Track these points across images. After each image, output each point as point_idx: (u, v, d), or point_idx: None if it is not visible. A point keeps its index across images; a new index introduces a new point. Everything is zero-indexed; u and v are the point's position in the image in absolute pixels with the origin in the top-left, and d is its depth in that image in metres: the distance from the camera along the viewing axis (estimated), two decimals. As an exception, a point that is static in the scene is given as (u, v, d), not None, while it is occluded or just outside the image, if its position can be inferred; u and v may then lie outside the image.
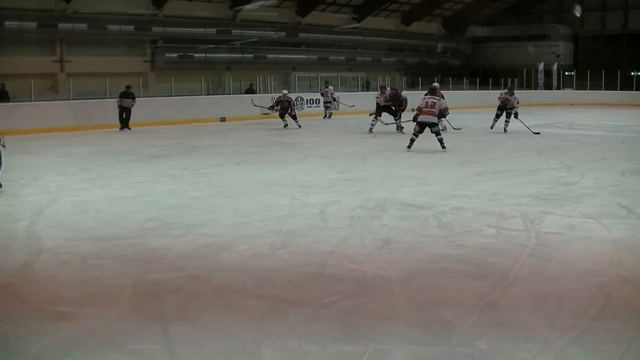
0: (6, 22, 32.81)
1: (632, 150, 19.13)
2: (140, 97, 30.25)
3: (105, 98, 28.84)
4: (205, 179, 13.76)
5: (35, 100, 27.70)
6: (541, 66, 53.02)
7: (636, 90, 47.78)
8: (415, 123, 18.55)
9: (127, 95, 26.99)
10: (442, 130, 19.46)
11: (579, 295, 6.35)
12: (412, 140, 18.34)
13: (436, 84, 21.25)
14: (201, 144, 20.82)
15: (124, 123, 26.82)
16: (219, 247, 8.10)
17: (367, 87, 45.07)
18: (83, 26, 35.56)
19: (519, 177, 13.72)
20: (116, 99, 27.11)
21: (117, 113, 26.82)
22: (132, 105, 26.99)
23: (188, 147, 19.98)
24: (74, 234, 8.83)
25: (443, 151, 17.92)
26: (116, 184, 13.38)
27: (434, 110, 18.19)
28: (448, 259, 7.50)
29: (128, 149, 19.56)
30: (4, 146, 12.42)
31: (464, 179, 13.45)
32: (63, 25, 35.10)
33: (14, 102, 28.43)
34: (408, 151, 18.01)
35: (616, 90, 46.85)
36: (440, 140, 18.20)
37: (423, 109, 18.32)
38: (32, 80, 28.03)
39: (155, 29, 38.90)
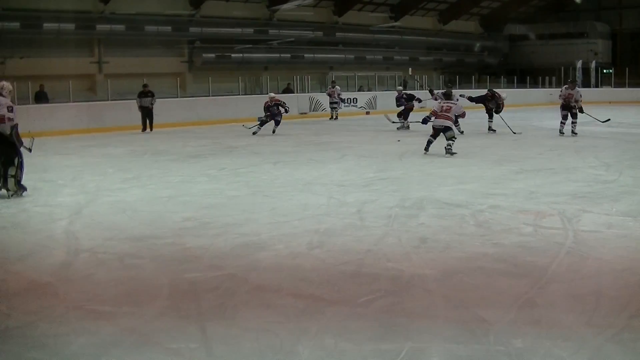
0: (45, 24, 33.12)
1: (672, 148, 18.94)
2: (177, 97, 30.46)
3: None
4: (243, 179, 13.81)
5: (73, 101, 27.95)
6: (579, 64, 52.59)
7: (676, 88, 47.30)
8: (424, 125, 18.61)
9: (145, 94, 26.78)
10: (460, 133, 19.32)
11: (616, 293, 6.30)
12: (429, 142, 17.79)
13: (450, 90, 20.28)
14: (238, 143, 20.91)
15: (146, 124, 26.74)
16: (256, 246, 8.11)
17: (404, 85, 44.96)
18: (121, 27, 35.82)
19: (557, 175, 13.63)
20: (135, 100, 26.96)
21: (140, 114, 26.67)
22: (152, 104, 26.80)
23: (225, 146, 20.08)
24: (111, 234, 8.90)
25: (451, 156, 17.12)
26: (154, 183, 13.47)
27: (449, 114, 17.77)
28: (485, 258, 7.47)
29: (165, 149, 19.69)
30: (30, 150, 12.46)
31: (502, 178, 13.39)
32: (101, 27, 35.39)
33: (52, 103, 28.72)
34: (425, 154, 17.58)
35: (650, 89, 46.42)
36: (449, 147, 17.38)
37: (438, 113, 17.86)
38: (70, 82, 28.35)
39: (192, 29, 39.09)
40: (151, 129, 26.51)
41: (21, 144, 11.93)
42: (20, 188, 11.89)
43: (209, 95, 33.09)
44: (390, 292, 6.36)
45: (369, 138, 21.85)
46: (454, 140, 17.53)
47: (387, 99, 35.13)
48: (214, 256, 7.75)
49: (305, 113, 33.18)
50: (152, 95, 26.87)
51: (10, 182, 11.70)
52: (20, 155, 11.90)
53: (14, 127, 11.78)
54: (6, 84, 12.17)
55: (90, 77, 35.95)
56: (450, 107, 17.93)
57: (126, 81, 33.05)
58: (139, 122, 26.72)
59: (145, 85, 27.22)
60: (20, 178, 11.94)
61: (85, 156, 18.68)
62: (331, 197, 11.36)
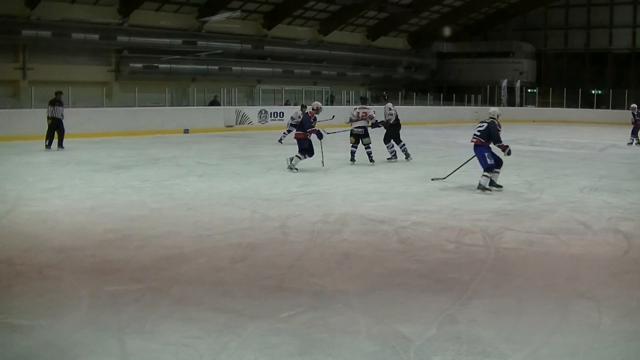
0: (-33, 28, 32.52)
1: (591, 167, 19.31)
2: (103, 106, 30.12)
3: (69, 107, 28.63)
4: (167, 191, 13.69)
5: (-5, 108, 27.42)
6: (505, 83, 53.54)
7: (596, 108, 48.49)
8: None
9: (56, 103, 23.17)
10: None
11: (536, 310, 6.40)
12: (352, 153, 19.09)
13: (364, 95, 21.84)
14: (164, 155, 20.74)
15: (52, 138, 22.73)
16: (179, 259, 8.06)
17: (331, 101, 45.15)
18: (47, 33, 35.32)
19: (480, 193, 13.78)
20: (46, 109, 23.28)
21: (48, 125, 22.82)
22: (62, 116, 23.05)
23: (150, 158, 19.89)
24: (31, 245, 8.75)
25: (372, 164, 18.59)
26: (76, 194, 13.28)
27: (364, 120, 18.86)
28: (407, 274, 7.52)
29: (89, 159, 19.42)
30: None
31: (426, 194, 13.51)
32: (26, 32, 34.84)
33: (-27, 109, 28.14)
34: (353, 164, 18.67)
35: (577, 107, 47.49)
36: (369, 154, 18.80)
37: (354, 120, 18.95)
38: (-7, 88, 27.78)
39: (120, 38, 38.71)
40: (61, 146, 22.61)
41: None
42: None
43: (135, 106, 32.79)
44: (312, 307, 6.36)
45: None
46: (370, 147, 18.83)
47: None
48: (135, 269, 7.66)
49: (231, 126, 33.07)
50: (62, 105, 23.37)
51: None
52: None
53: None
54: None
55: (14, 84, 35.35)
56: (366, 113, 18.89)
57: (51, 88, 32.48)
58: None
59: (58, 93, 23.84)
60: None
61: (5, 164, 18.33)
62: (255, 212, 11.33)
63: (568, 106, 49.08)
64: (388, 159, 19.59)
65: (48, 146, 22.54)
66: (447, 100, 49.29)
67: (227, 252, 8.38)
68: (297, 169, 17.04)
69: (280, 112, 37.01)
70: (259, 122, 34.80)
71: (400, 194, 13.52)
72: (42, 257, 8.15)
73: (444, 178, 15.64)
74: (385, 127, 19.74)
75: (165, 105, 34.19)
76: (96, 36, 37.53)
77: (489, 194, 13.64)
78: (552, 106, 47.85)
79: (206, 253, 8.37)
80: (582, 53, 58.08)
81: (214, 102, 37.64)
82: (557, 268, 7.93)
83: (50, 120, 22.80)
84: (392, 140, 19.79)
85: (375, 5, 49.27)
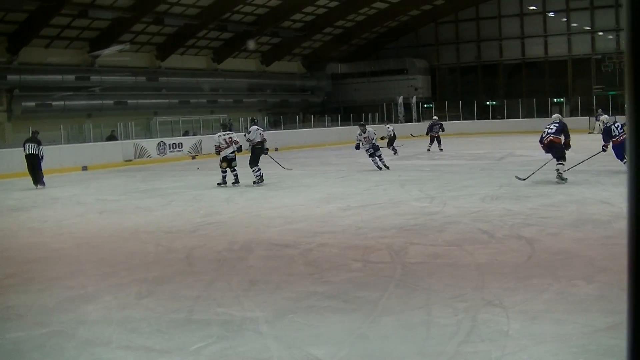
0: None
1: (490, 176, 19.72)
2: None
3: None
4: (68, 230, 13.44)
5: None
6: (400, 99, 54.27)
7: (492, 119, 49.54)
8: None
9: (32, 140, 23.41)
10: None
11: (446, 321, 6.46)
12: (223, 177, 20.07)
13: (227, 122, 22.75)
14: (63, 194, 20.37)
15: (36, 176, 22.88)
16: (83, 299, 7.90)
17: (230, 128, 45.04)
18: None
19: (383, 209, 13.93)
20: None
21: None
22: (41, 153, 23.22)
23: (49, 198, 19.51)
24: None
25: (259, 184, 19.64)
26: (-27, 240, 12.95)
27: (232, 146, 20.05)
28: (316, 296, 7.51)
29: (-15, 203, 18.98)
30: None
31: (329, 215, 13.57)
32: None
33: None
34: (220, 186, 19.68)
35: (473, 119, 48.47)
36: (236, 177, 19.99)
37: (224, 147, 20.03)
38: None
39: (10, 76, 38.04)
40: (42, 183, 22.62)
41: None
42: None
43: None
44: (222, 337, 6.30)
45: (195, 183, 21.72)
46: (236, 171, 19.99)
47: (212, 143, 35.10)
48: (38, 313, 7.48)
49: (130, 160, 32.70)
50: (40, 143, 23.42)
51: None
52: None
53: None
54: None
55: None
56: (231, 139, 20.20)
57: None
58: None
59: (34, 132, 24.03)
60: None
61: None
62: (159, 245, 11.22)
63: (464, 118, 50.16)
64: (255, 182, 19.92)
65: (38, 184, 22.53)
66: (345, 121, 49.68)
67: (133, 288, 8.26)
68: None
69: (179, 143, 36.77)
70: (158, 154, 34.50)
71: (304, 217, 13.54)
72: (-62, 308, 7.91)
73: (524, 179, 17.59)
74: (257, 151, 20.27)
75: (61, 143, 33.63)
76: (-15, 76, 36.83)
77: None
78: (448, 119, 48.65)
79: (111, 290, 8.23)
80: (474, 66, 59.40)
81: (111, 137, 37.21)
82: (463, 278, 8.02)
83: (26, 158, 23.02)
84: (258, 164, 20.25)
85: (268, 31, 49.55)
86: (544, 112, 48.27)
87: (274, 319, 6.77)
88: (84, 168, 30.08)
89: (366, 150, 22.68)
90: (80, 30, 40.76)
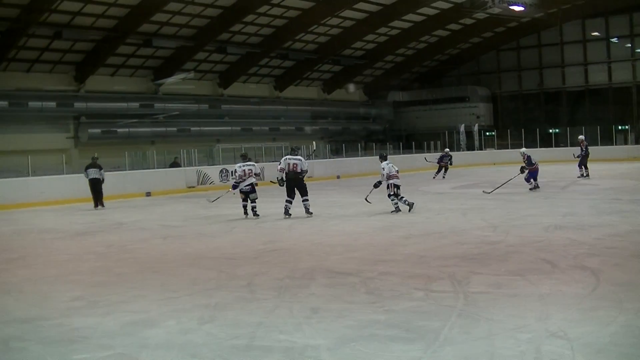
0: None
1: (554, 205, 19.49)
2: (63, 173, 29.97)
3: (28, 176, 28.47)
4: (131, 255, 13.58)
5: (-47, 180, 27.24)
6: (462, 128, 54.03)
7: (555, 147, 48.98)
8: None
9: (93, 166, 25.74)
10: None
11: (508, 352, 6.38)
12: (244, 207, 19.85)
13: (245, 153, 22.24)
14: (127, 219, 20.61)
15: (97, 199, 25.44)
16: (146, 323, 7.97)
17: (249, 158, 45.18)
18: (4, 103, 35.37)
19: (445, 238, 13.83)
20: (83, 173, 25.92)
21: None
22: (102, 177, 25.69)
23: (114, 223, 19.76)
24: (-5, 317, 8.63)
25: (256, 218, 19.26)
26: (40, 263, 13.15)
27: (248, 177, 19.74)
28: (377, 325, 7.47)
29: (52, 227, 19.28)
30: None
31: (391, 244, 13.49)
32: (-17, 103, 34.81)
33: None
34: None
35: (536, 147, 48.04)
36: (253, 208, 19.66)
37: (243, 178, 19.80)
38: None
39: (77, 104, 38.78)
40: (102, 204, 25.24)
41: None
42: None
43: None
44: (283, 364, 6.30)
45: (258, 210, 21.78)
46: (256, 203, 19.66)
47: (274, 170, 35.23)
48: (102, 335, 7.56)
49: (193, 186, 32.99)
50: (101, 168, 25.81)
51: None
52: None
53: None
54: None
55: (-28, 155, 35.17)
56: (248, 170, 19.82)
57: (10, 158, 32.45)
58: (25, 200, 26.24)
59: (94, 158, 26.34)
60: None
61: (-34, 238, 18.14)
62: (221, 271, 11.26)
63: (527, 147, 49.61)
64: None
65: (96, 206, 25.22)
66: (407, 149, 49.62)
67: (195, 313, 8.30)
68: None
69: (241, 170, 36.99)
70: (221, 181, 34.73)
71: (366, 245, 13.50)
72: (8, 328, 8.03)
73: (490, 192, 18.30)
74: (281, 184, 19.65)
75: (125, 169, 34.07)
76: (53, 104, 37.59)
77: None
78: (510, 148, 48.28)
79: (174, 315, 8.28)
80: (536, 93, 58.97)
81: (175, 164, 37.60)
82: (526, 309, 7.92)
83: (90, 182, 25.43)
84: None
85: (329, 59, 49.76)
86: (608, 140, 47.76)
87: (336, 347, 6.75)
88: (148, 194, 30.42)
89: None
90: (145, 59, 41.42)
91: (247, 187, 19.62)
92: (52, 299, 9.69)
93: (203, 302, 8.93)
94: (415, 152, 49.58)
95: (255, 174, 19.84)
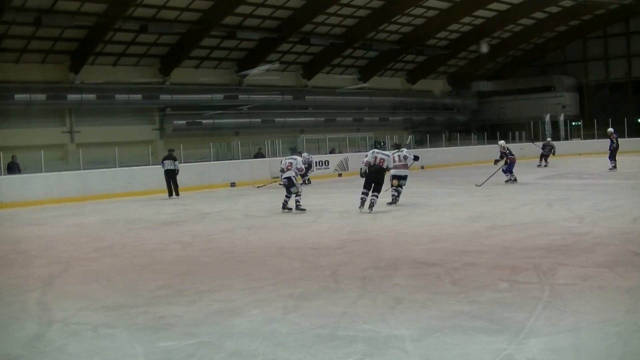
0: (16, 95, 33.28)
1: (643, 197, 19.09)
2: (149, 164, 30.44)
3: (115, 167, 29.00)
4: (216, 245, 13.73)
5: (45, 171, 27.87)
6: (547, 118, 53.17)
7: (644, 136, 47.89)
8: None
9: (169, 158, 27.18)
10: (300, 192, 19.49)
11: (595, 346, 6.28)
12: (284, 200, 19.56)
13: (294, 146, 22.11)
14: (211, 209, 20.83)
15: (171, 189, 26.78)
16: (231, 312, 8.04)
17: (379, 145, 45.15)
18: (91, 96, 36.02)
19: (531, 229, 13.65)
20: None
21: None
22: (177, 168, 27.06)
23: (198, 213, 19.98)
24: (84, 304, 8.79)
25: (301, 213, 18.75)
26: (127, 252, 13.37)
27: (287, 170, 19.35)
28: (461, 315, 7.42)
29: (138, 217, 19.59)
30: None
31: (476, 234, 13.37)
32: (71, 96, 35.57)
33: (24, 173, 28.64)
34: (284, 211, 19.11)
35: (623, 137, 46.96)
36: (297, 202, 19.19)
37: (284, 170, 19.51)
38: (42, 152, 28.26)
39: (162, 96, 39.29)
40: (177, 194, 26.56)
41: None
42: None
43: (180, 162, 33.08)
44: (367, 354, 6.28)
45: (341, 200, 21.81)
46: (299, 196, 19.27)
47: (358, 160, 35.23)
48: (188, 324, 7.66)
49: (277, 177, 33.14)
50: (175, 159, 27.28)
51: None
52: None
53: None
54: None
55: (62, 147, 35.98)
56: (291, 163, 19.45)
57: (98, 150, 33.08)
58: (112, 191, 26.79)
59: (170, 150, 27.83)
60: None
61: (57, 226, 18.55)
62: (305, 261, 11.30)
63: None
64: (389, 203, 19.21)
65: (170, 195, 26.53)
66: (491, 139, 49.07)
67: (279, 303, 8.34)
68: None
69: (325, 161, 37.12)
70: (308, 172, 34.87)
71: (450, 236, 13.39)
72: (96, 315, 8.19)
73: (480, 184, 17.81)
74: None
75: (210, 160, 34.45)
76: (139, 96, 38.15)
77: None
78: (597, 138, 47.34)
79: (258, 305, 8.34)
80: (624, 82, 57.73)
81: (259, 155, 37.91)
82: (614, 302, 7.76)
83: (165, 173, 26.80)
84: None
85: (413, 49, 49.47)
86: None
87: (420, 338, 6.71)
88: (232, 184, 30.68)
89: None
90: (229, 51, 41.73)
91: (285, 181, 19.37)
92: (139, 287, 9.86)
93: (287, 291, 8.98)
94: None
95: (297, 168, 19.42)
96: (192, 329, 7.46)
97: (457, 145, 47.78)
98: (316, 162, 35.90)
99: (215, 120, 41.33)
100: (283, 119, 45.00)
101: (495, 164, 25.81)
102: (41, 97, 34.62)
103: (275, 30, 40.94)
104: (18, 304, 9.11)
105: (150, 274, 10.95)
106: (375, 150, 19.08)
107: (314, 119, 47.20)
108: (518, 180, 24.90)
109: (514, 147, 40.83)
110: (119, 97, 37.33)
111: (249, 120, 43.24)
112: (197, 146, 36.26)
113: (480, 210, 17.53)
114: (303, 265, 10.99)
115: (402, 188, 19.58)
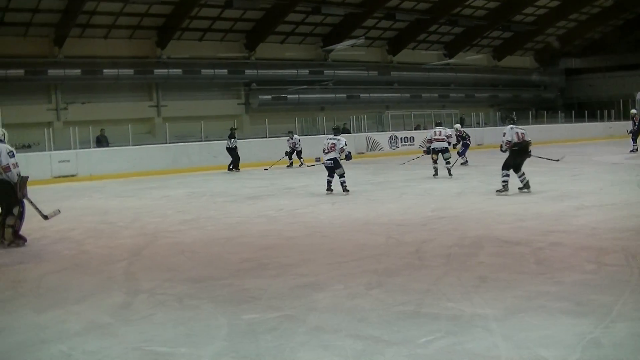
0: (104, 70, 33.86)
1: None
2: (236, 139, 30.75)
3: (201, 141, 29.34)
4: (300, 219, 13.81)
5: (132, 145, 28.37)
6: (638, 96, 51.93)
7: None
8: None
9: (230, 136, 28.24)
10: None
11: (687, 332, 6.14)
12: (328, 182, 18.74)
13: (337, 126, 23.26)
14: (296, 184, 20.94)
15: (232, 164, 28.35)
16: (315, 286, 8.07)
17: (461, 123, 44.90)
18: (178, 71, 36.47)
19: (619, 210, 13.38)
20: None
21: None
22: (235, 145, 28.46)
23: (283, 187, 20.12)
24: (170, 275, 8.94)
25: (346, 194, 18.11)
26: (212, 225, 13.53)
27: (331, 151, 18.53)
28: (546, 296, 7.31)
29: (224, 191, 19.81)
30: (47, 218, 12.23)
31: (562, 214, 13.17)
32: (158, 71, 36.07)
33: (112, 146, 29.19)
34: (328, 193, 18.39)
35: None
36: (342, 183, 18.43)
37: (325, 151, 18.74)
38: (129, 125, 28.77)
39: (248, 71, 39.55)
40: (237, 169, 28.06)
41: (24, 195, 11.73)
42: (18, 238, 11.72)
43: (266, 137, 33.32)
44: (451, 332, 6.25)
45: (427, 177, 21.70)
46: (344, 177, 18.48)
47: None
48: (272, 297, 7.72)
49: (362, 153, 33.18)
50: (235, 137, 28.50)
51: (7, 231, 11.58)
52: (22, 206, 11.80)
53: (23, 177, 11.67)
54: (1, 130, 11.95)
55: (149, 121, 36.57)
56: (334, 144, 18.50)
57: (184, 124, 33.52)
58: (197, 164, 27.29)
59: (233, 128, 28.81)
60: (19, 228, 11.79)
61: (144, 198, 18.88)
62: (389, 237, 11.29)
63: None
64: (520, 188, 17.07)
65: (232, 169, 28.04)
66: (579, 118, 48.28)
67: (363, 279, 8.36)
68: None
69: (410, 137, 37.00)
70: (390, 147, 34.82)
71: (536, 215, 13.22)
72: (182, 286, 8.31)
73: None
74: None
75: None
76: (224, 71, 38.47)
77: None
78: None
79: (342, 280, 8.36)
80: None
81: (344, 130, 37.93)
82: None
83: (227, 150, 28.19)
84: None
85: (499, 25, 48.80)
86: None
87: (504, 317, 6.64)
88: (317, 159, 30.74)
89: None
90: (314, 26, 41.76)
91: (329, 162, 18.43)
92: (224, 260, 9.98)
93: (371, 267, 8.98)
94: (588, 121, 48.19)
95: (340, 149, 18.43)
96: (275, 302, 7.52)
97: (544, 124, 47.06)
98: (401, 139, 35.79)
99: (301, 95, 41.47)
100: (368, 95, 44.91)
101: (454, 148, 25.74)
102: (129, 72, 35.20)
103: (360, 6, 40.80)
104: (106, 274, 9.31)
105: (234, 247, 11.08)
106: (513, 126, 17.11)
107: (399, 94, 47.02)
108: (618, 162, 24.31)
109: (603, 127, 40.18)
110: (204, 72, 37.70)
111: (334, 95, 43.28)
112: (282, 121, 36.44)
113: (566, 189, 17.26)
114: (387, 241, 10.98)
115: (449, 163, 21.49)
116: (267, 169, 22.40)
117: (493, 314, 6.75)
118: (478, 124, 43.69)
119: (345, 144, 18.49)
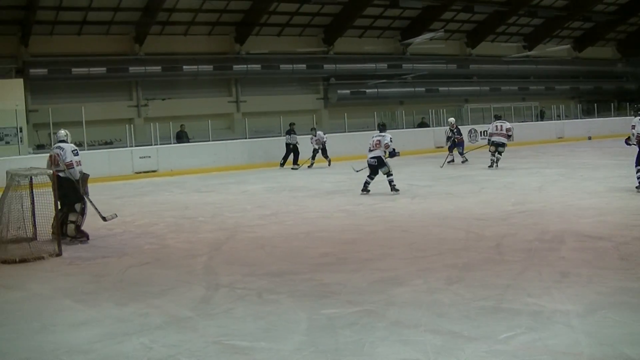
0: (184, 67, 34.24)
1: None
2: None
3: (280, 136, 29.46)
4: (380, 214, 13.81)
5: (212, 140, 28.66)
6: None
7: None
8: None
9: (292, 131, 28.18)
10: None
11: None
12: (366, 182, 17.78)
13: (382, 122, 23.18)
14: (376, 178, 20.88)
15: (287, 160, 28.07)
16: (394, 281, 8.08)
17: (541, 116, 44.31)
18: (256, 67, 36.64)
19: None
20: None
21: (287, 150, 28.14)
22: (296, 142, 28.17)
23: (361, 182, 20.08)
24: (250, 270, 9.03)
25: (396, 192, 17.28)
26: (291, 220, 13.62)
27: (376, 148, 17.63)
28: (630, 292, 7.21)
29: (303, 186, 19.90)
30: (105, 219, 12.37)
31: (646, 208, 12.95)
32: (237, 67, 36.30)
33: (193, 142, 29.51)
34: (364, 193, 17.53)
35: None
36: (390, 182, 17.48)
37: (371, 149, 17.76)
38: (209, 121, 29.06)
39: (326, 66, 39.51)
40: (295, 163, 27.69)
41: (86, 192, 11.99)
42: (80, 234, 11.97)
43: (345, 131, 33.33)
44: (531, 328, 6.21)
45: (506, 171, 21.50)
46: (391, 176, 17.48)
47: (524, 130, 34.67)
48: (351, 292, 7.75)
49: (441, 147, 32.97)
50: (294, 133, 28.09)
51: (70, 227, 11.84)
52: (83, 202, 12.03)
53: (84, 175, 11.94)
54: (64, 131, 12.30)
55: (229, 116, 36.86)
56: (379, 141, 17.66)
57: (263, 119, 33.72)
58: (277, 159, 27.41)
59: (291, 124, 28.50)
60: (81, 224, 12.05)
61: (224, 193, 19.06)
62: (469, 231, 11.24)
63: None
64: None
65: (282, 165, 27.69)
66: (665, 110, 47.28)
67: (443, 273, 8.34)
68: None
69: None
70: (469, 141, 34.47)
71: (619, 209, 13.01)
72: (261, 281, 8.39)
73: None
74: None
75: (374, 130, 34.52)
76: (303, 66, 38.51)
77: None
78: None
79: (421, 274, 8.35)
80: None
81: (423, 124, 37.77)
82: None
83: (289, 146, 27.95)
84: None
85: (580, 15, 47.96)
86: None
87: (586, 314, 6.57)
88: (356, 170, 30.60)
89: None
90: (392, 20, 41.55)
91: (372, 160, 17.58)
92: (303, 255, 10.04)
93: (451, 262, 8.96)
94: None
95: (384, 145, 17.53)
96: (355, 297, 7.54)
97: (626, 116, 46.15)
98: (480, 132, 35.47)
99: (380, 90, 41.32)
100: (447, 88, 44.56)
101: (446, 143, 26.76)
102: (208, 67, 35.51)
103: (438, -2, 40.56)
104: (187, 268, 9.45)
105: (313, 241, 11.14)
106: None
107: (478, 88, 46.53)
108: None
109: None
110: (283, 67, 37.82)
111: (413, 89, 43.03)
112: (361, 115, 36.39)
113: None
114: (467, 235, 10.93)
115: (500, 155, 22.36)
116: (358, 170, 21.99)
117: (575, 310, 6.68)
118: (559, 117, 43.00)
119: (391, 140, 17.66)
